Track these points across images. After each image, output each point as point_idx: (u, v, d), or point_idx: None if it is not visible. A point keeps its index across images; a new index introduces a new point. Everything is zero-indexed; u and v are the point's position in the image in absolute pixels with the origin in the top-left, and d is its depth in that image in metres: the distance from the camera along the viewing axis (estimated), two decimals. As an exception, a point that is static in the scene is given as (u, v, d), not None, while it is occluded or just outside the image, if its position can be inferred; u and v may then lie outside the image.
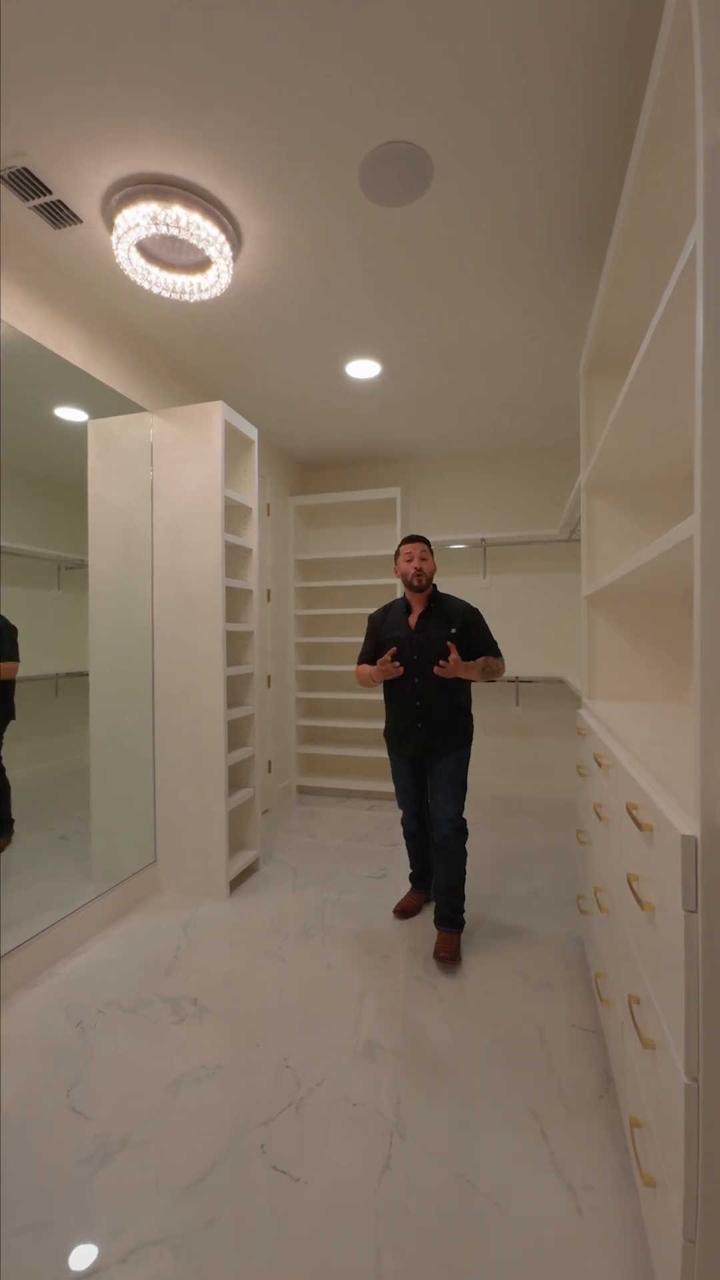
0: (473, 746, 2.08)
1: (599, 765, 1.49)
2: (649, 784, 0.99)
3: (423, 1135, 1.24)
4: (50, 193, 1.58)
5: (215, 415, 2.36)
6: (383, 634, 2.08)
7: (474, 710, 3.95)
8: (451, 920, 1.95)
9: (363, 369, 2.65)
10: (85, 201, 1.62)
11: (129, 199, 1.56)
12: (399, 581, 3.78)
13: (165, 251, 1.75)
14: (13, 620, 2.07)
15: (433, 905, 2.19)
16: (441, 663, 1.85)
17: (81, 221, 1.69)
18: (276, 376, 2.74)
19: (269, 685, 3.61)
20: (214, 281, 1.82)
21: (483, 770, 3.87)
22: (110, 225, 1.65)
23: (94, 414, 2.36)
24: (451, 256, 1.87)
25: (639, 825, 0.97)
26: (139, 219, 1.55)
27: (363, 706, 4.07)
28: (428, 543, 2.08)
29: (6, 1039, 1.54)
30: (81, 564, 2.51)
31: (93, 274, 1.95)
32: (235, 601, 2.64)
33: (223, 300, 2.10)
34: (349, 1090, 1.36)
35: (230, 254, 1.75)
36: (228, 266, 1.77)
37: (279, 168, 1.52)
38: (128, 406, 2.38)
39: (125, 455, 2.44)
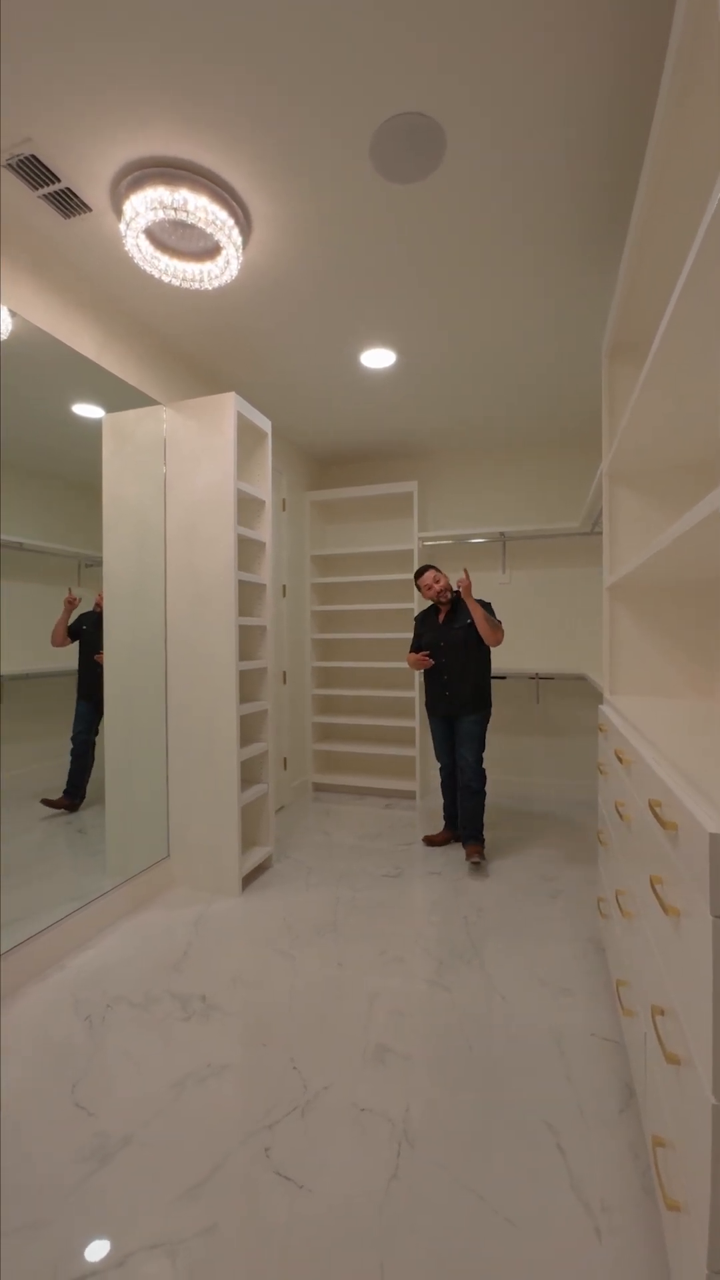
0: (489, 738, 2.44)
1: (620, 762, 1.42)
2: (673, 780, 0.93)
3: (432, 1146, 1.19)
4: (58, 180, 1.56)
5: (228, 407, 2.34)
6: (422, 629, 2.88)
7: (493, 708, 3.93)
8: (474, 836, 2.63)
9: (378, 358, 2.60)
10: (94, 189, 1.60)
11: (136, 184, 1.54)
12: (413, 578, 3.76)
13: (174, 239, 1.73)
14: (36, 616, 2.10)
15: (456, 843, 2.88)
16: (466, 584, 2.62)
17: (91, 210, 1.67)
18: (290, 368, 2.71)
19: (284, 681, 3.59)
20: (224, 268, 1.79)
21: (502, 769, 3.79)
22: (119, 212, 1.63)
23: (108, 408, 2.35)
24: (467, 235, 1.81)
25: (662, 824, 0.91)
26: (147, 204, 1.53)
27: (379, 704, 4.03)
28: (436, 568, 2.82)
29: (13, 1032, 1.53)
30: (99, 561, 2.52)
31: (104, 265, 1.94)
32: (248, 596, 2.61)
33: (233, 288, 2.07)
34: (357, 1095, 1.32)
35: (239, 239, 1.72)
36: (237, 252, 1.74)
37: (286, 144, 1.48)
38: (141, 400, 2.37)
39: (139, 450, 2.43)
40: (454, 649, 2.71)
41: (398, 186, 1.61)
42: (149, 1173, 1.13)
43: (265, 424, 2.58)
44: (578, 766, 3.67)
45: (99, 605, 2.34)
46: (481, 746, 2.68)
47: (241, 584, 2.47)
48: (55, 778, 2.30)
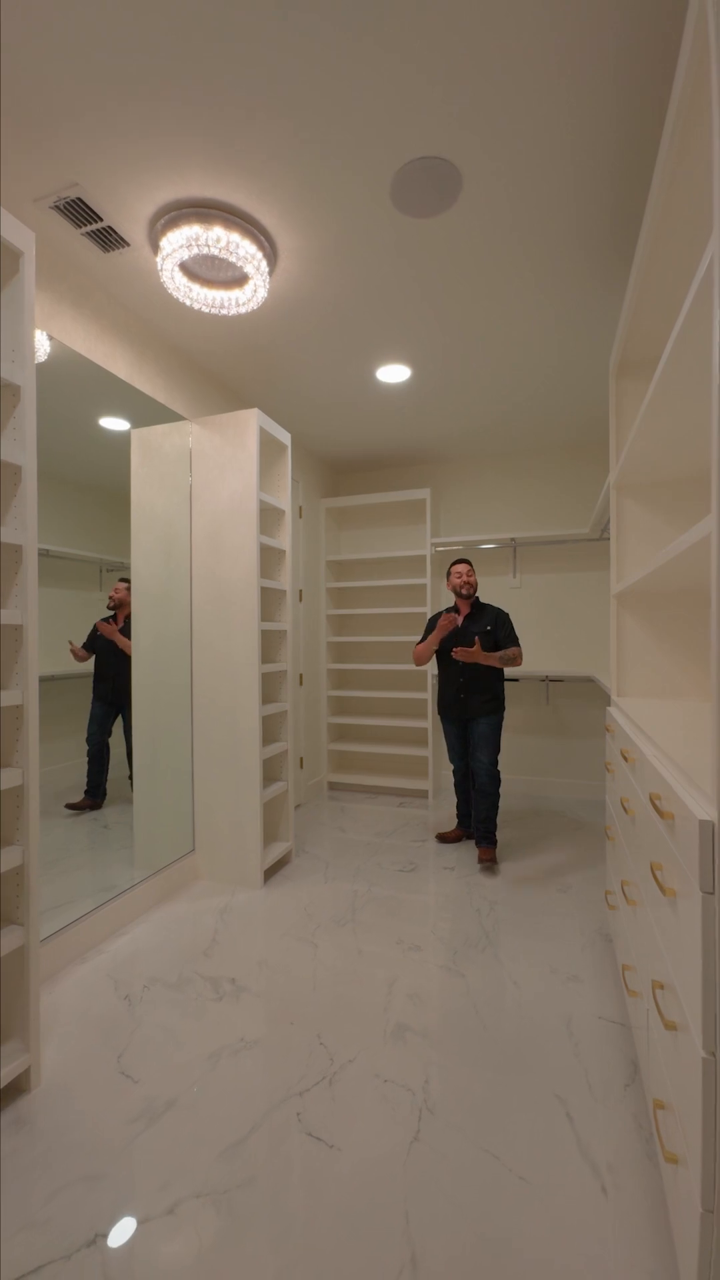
0: (503, 740, 2.29)
1: (626, 761, 1.51)
2: (672, 775, 1.02)
3: (450, 1112, 1.29)
4: (101, 219, 1.69)
5: (251, 422, 2.45)
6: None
7: (506, 709, 4.02)
8: (486, 838, 2.68)
9: (393, 373, 2.71)
10: (133, 226, 1.72)
11: (173, 222, 1.66)
12: (426, 583, 3.88)
13: (205, 269, 1.85)
14: (58, 620, 2.22)
15: (468, 840, 2.96)
16: (461, 648, 2.59)
17: (129, 245, 1.80)
18: (309, 383, 2.83)
19: (301, 683, 3.70)
20: (251, 296, 1.91)
21: (513, 769, 3.88)
22: (156, 247, 1.76)
23: (136, 423, 2.48)
24: (480, 263, 1.91)
25: (661, 814, 1.00)
26: (183, 241, 1.65)
27: (393, 705, 4.13)
28: (470, 564, 2.83)
29: (60, 1009, 1.65)
30: (121, 565, 2.64)
31: (138, 293, 2.07)
32: (269, 601, 2.73)
33: (258, 313, 2.19)
34: (380, 1068, 1.42)
35: (266, 270, 1.83)
36: (264, 281, 1.86)
37: (314, 186, 1.59)
38: (168, 416, 2.49)
39: (166, 462, 2.56)
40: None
41: (416, 221, 1.72)
42: (192, 1133, 1.24)
43: (285, 437, 2.70)
44: (587, 766, 3.75)
45: (112, 606, 2.41)
46: (497, 749, 2.72)
47: (263, 590, 2.59)
48: (80, 776, 2.43)
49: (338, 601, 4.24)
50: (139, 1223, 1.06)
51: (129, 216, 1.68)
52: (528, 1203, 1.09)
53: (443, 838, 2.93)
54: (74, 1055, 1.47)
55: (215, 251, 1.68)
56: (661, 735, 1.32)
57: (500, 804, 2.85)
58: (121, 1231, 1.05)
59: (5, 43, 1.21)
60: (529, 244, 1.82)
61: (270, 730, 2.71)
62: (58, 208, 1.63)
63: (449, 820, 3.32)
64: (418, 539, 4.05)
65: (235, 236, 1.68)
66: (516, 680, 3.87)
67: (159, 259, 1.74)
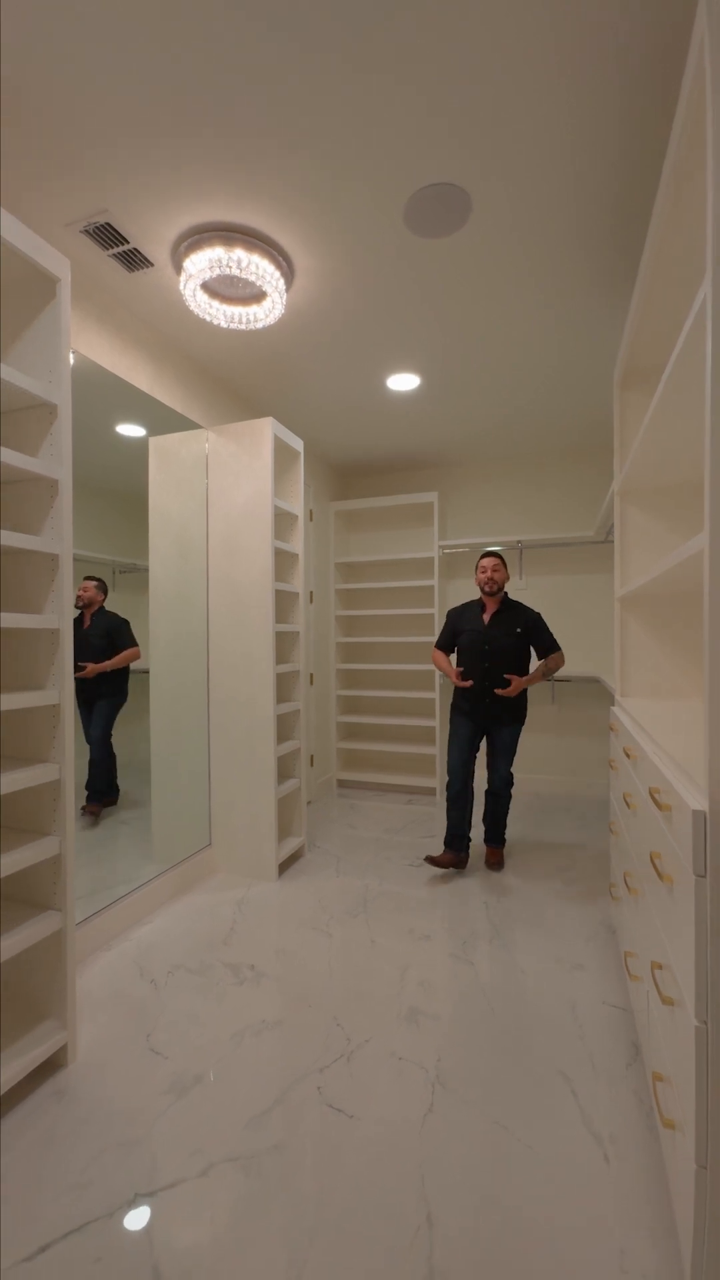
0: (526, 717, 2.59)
1: (629, 758, 1.59)
2: (670, 770, 1.10)
3: (462, 1088, 1.37)
4: (127, 242, 1.77)
5: (265, 430, 2.54)
6: (459, 626, 2.61)
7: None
8: (497, 838, 2.67)
9: (403, 382, 2.79)
10: (157, 248, 1.81)
11: (196, 245, 1.75)
12: (434, 584, 3.95)
13: (225, 287, 1.93)
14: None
15: (460, 866, 2.64)
16: (501, 689, 2.45)
17: (153, 265, 1.88)
18: (321, 392, 2.91)
19: (311, 683, 3.78)
20: (269, 312, 1.99)
21: (519, 767, 3.95)
22: (179, 268, 1.84)
23: (154, 431, 2.57)
24: (488, 278, 1.99)
25: (660, 807, 1.08)
26: (206, 263, 1.73)
27: (401, 704, 4.21)
28: (501, 558, 2.57)
29: (91, 992, 1.74)
30: (134, 567, 2.74)
31: (159, 309, 2.15)
32: (282, 603, 2.81)
33: (274, 326, 2.27)
34: (394, 1047, 1.50)
35: (284, 287, 1.91)
36: (281, 298, 1.94)
37: (331, 210, 1.67)
38: (185, 424, 2.58)
39: (183, 469, 2.64)
40: (502, 655, 2.49)
41: (427, 240, 1.79)
42: (220, 1104, 1.33)
43: (298, 444, 2.78)
44: (591, 764, 3.82)
45: (79, 605, 2.32)
46: (513, 756, 2.59)
47: (277, 593, 2.67)
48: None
49: (346, 603, 4.32)
50: (175, 1184, 1.15)
51: (154, 239, 1.77)
52: (535, 1169, 1.17)
53: (434, 861, 2.51)
54: (106, 1034, 1.56)
55: (236, 272, 1.76)
56: (662, 733, 1.40)
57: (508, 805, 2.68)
58: (158, 1192, 1.13)
59: (44, 80, 1.29)
60: (534, 260, 1.90)
61: (284, 728, 2.79)
62: (87, 232, 1.72)
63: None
64: (425, 541, 4.12)
65: (255, 257, 1.77)
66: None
67: (182, 279, 1.82)
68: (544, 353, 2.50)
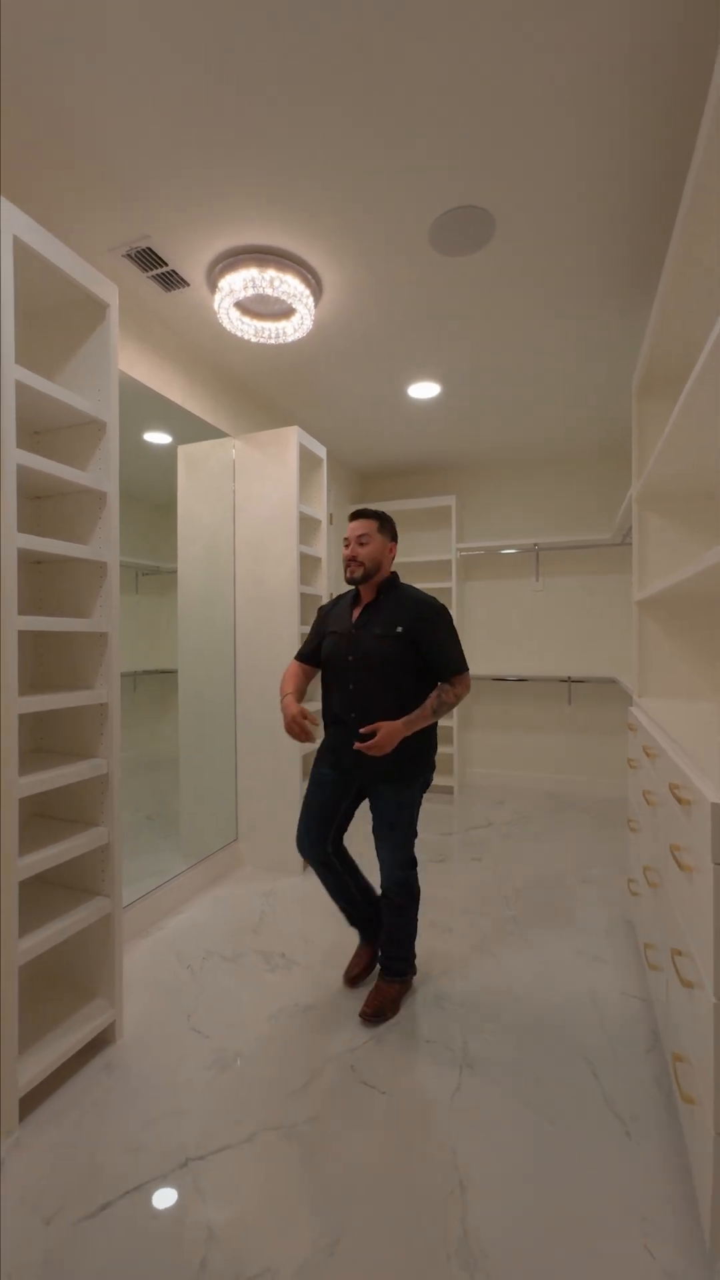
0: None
1: (648, 757, 1.65)
2: (690, 767, 1.16)
3: (487, 1068, 1.45)
4: (166, 264, 1.86)
5: (291, 439, 2.62)
6: (325, 628, 1.74)
7: (519, 710, 4.17)
8: (389, 969, 1.69)
9: (423, 390, 2.86)
10: (194, 269, 1.90)
11: (231, 266, 1.83)
12: (452, 586, 4.02)
13: (255, 304, 2.02)
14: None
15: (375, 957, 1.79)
16: (360, 744, 1.50)
17: (189, 285, 1.97)
18: (344, 400, 2.99)
19: (331, 683, 3.87)
20: (297, 327, 2.07)
21: (534, 766, 4.01)
22: (214, 287, 1.93)
23: (181, 439, 2.67)
24: (510, 293, 2.05)
25: (680, 801, 1.14)
26: (241, 283, 1.82)
27: (418, 704, 4.27)
28: (380, 518, 1.66)
29: (132, 976, 1.84)
30: (156, 570, 2.84)
31: (192, 325, 2.25)
32: (307, 606, 2.90)
33: (301, 339, 2.35)
34: (422, 1031, 1.58)
35: (312, 304, 1.99)
36: (310, 313, 2.02)
37: (360, 232, 1.75)
38: (212, 433, 2.68)
39: (211, 476, 2.74)
40: (374, 672, 1.59)
41: (451, 259, 1.86)
42: (260, 1079, 1.41)
43: (321, 450, 2.86)
44: (607, 764, 3.86)
45: None
46: (408, 839, 1.67)
47: (301, 596, 2.75)
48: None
49: (365, 604, 4.39)
50: (222, 1149, 1.23)
51: (191, 261, 1.86)
52: (560, 1144, 1.24)
53: (351, 980, 1.77)
54: (148, 1014, 1.65)
55: (268, 291, 1.85)
56: (680, 732, 1.46)
57: (419, 917, 1.77)
58: (208, 1156, 1.22)
59: (93, 117, 1.39)
60: (555, 274, 1.96)
61: (307, 727, 2.88)
62: (129, 255, 1.81)
63: (477, 815, 3.46)
64: (443, 544, 4.19)
65: (287, 276, 1.85)
66: (525, 680, 3.99)
67: (217, 298, 1.91)
68: (562, 361, 2.56)
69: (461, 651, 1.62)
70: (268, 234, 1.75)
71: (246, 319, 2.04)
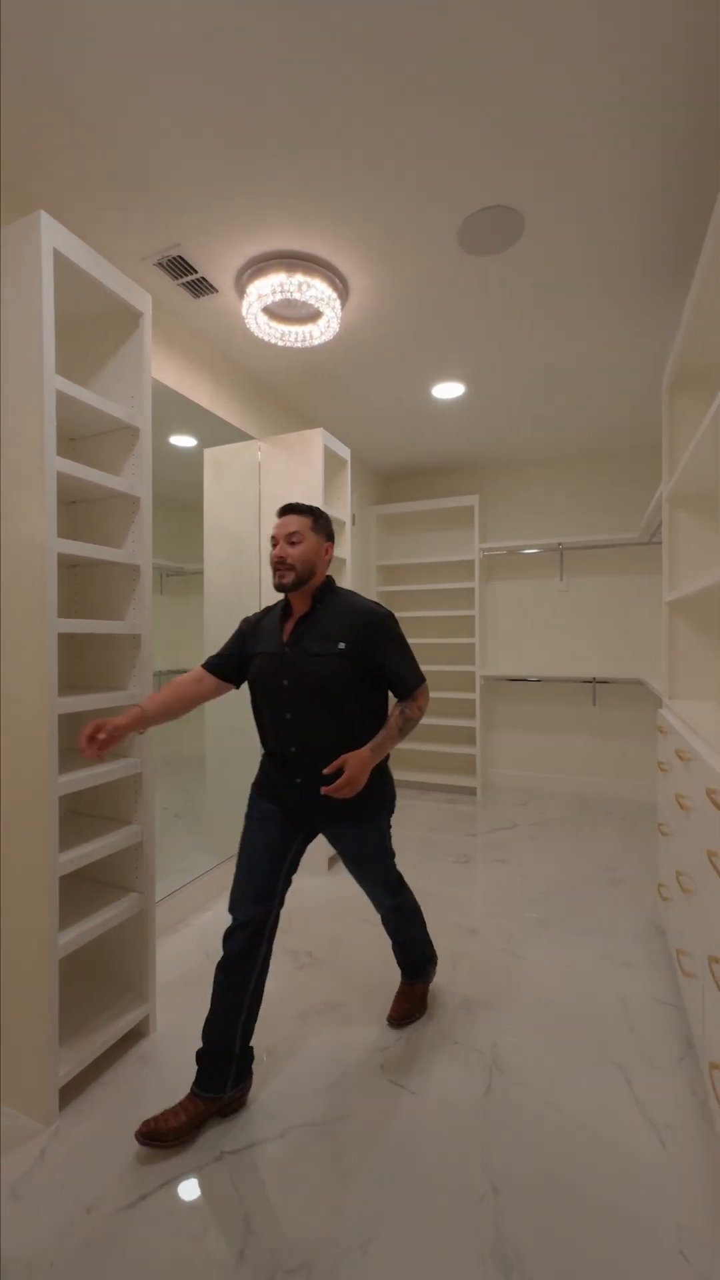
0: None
1: (680, 760, 1.62)
2: (727, 771, 1.14)
3: (518, 1072, 1.44)
4: (195, 272, 1.89)
5: (316, 441, 2.64)
6: (251, 648, 1.44)
7: (541, 710, 4.13)
8: (409, 971, 1.63)
9: (448, 390, 2.85)
10: (222, 276, 1.92)
11: (260, 272, 1.85)
12: (474, 586, 4.01)
13: (282, 308, 2.03)
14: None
15: (205, 1119, 1.28)
16: (330, 789, 1.26)
17: (217, 291, 2.00)
18: (368, 401, 3.00)
19: (354, 683, 3.88)
20: (324, 330, 2.09)
21: (558, 768, 3.97)
22: (242, 293, 1.95)
23: (208, 442, 2.70)
24: (537, 292, 2.04)
25: (717, 806, 1.13)
26: (269, 289, 1.84)
27: (440, 705, 4.26)
28: (314, 514, 1.41)
29: (163, 970, 1.87)
30: (180, 571, 2.88)
31: (219, 330, 2.28)
32: (330, 607, 2.91)
33: (327, 342, 2.36)
34: (451, 1032, 1.58)
35: (339, 307, 2.00)
36: (336, 317, 2.03)
37: (388, 234, 1.75)
38: (238, 435, 2.71)
39: (236, 479, 2.77)
40: (308, 694, 1.35)
41: (478, 258, 1.86)
42: (291, 1076, 1.43)
43: (345, 452, 2.87)
44: (633, 766, 3.80)
45: None
46: (389, 863, 1.53)
47: (326, 597, 2.77)
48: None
49: (387, 604, 4.38)
50: (256, 1144, 1.25)
51: (220, 268, 1.89)
52: (592, 1150, 1.23)
53: (144, 1135, 1.21)
54: (180, 1009, 1.68)
55: (296, 295, 1.86)
56: (715, 736, 1.43)
57: (420, 919, 1.67)
58: (242, 1150, 1.24)
59: (133, 125, 1.42)
60: (584, 272, 1.94)
61: (331, 728, 2.89)
62: (160, 264, 1.85)
63: (501, 816, 3.45)
64: (466, 544, 4.17)
65: (315, 281, 1.86)
66: (539, 680, 3.95)
67: (244, 303, 1.93)
68: (590, 359, 2.53)
69: (416, 661, 1.43)
70: (296, 239, 1.77)
71: (273, 323, 2.06)
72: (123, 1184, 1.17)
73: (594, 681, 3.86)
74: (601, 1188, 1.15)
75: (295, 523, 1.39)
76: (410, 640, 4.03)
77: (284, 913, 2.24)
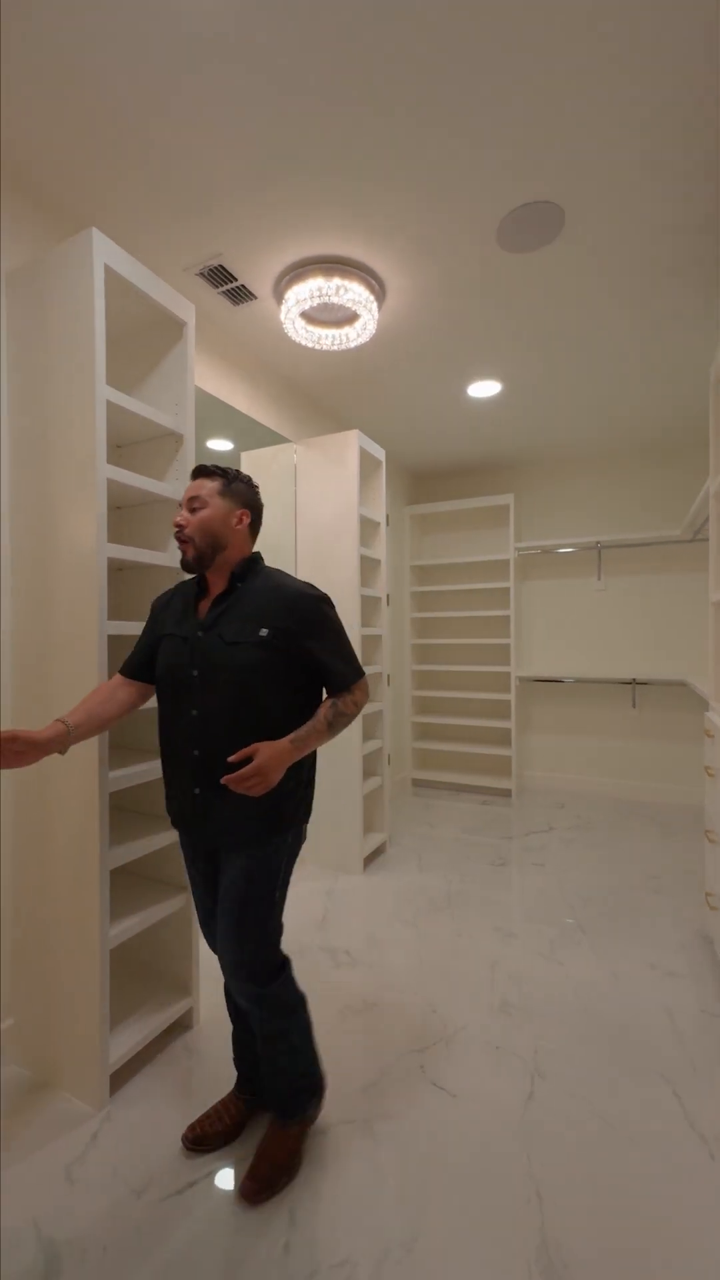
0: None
1: (730, 764, 1.57)
2: (783, 778, 1.10)
3: (561, 1079, 1.42)
4: (236, 280, 1.93)
5: (351, 442, 2.65)
6: (160, 630, 1.24)
7: (579, 713, 4.06)
8: (278, 1098, 1.21)
9: (484, 389, 2.83)
10: (261, 283, 1.96)
11: (299, 277, 1.88)
12: (509, 586, 3.96)
13: (320, 312, 2.05)
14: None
15: (244, 1124, 1.30)
16: (230, 779, 1.02)
17: (256, 298, 2.03)
18: (403, 401, 3.00)
19: (388, 684, 3.88)
20: (360, 332, 2.10)
21: (596, 770, 3.89)
22: (280, 299, 1.98)
23: (244, 446, 2.75)
24: (577, 287, 2.00)
25: (773, 813, 1.09)
26: (308, 294, 1.86)
27: (475, 706, 4.23)
28: (225, 475, 1.20)
29: (204, 966, 1.91)
30: None
31: (257, 335, 2.31)
32: (367, 608, 2.92)
33: (363, 344, 2.38)
34: (490, 1036, 1.57)
35: (376, 309, 2.01)
36: (373, 319, 2.04)
37: (427, 236, 1.75)
38: (274, 438, 2.74)
39: (274, 481, 2.81)
40: (219, 688, 1.13)
41: (517, 255, 1.84)
42: (332, 1072, 1.44)
43: (380, 453, 2.88)
44: (675, 770, 3.69)
45: None
46: (271, 923, 1.16)
47: (362, 598, 2.78)
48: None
49: (420, 605, 4.39)
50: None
51: (259, 275, 1.92)
52: (640, 1160, 1.21)
53: (192, 1140, 1.24)
54: (220, 1003, 1.71)
55: (334, 299, 1.88)
56: (769, 741, 1.38)
57: (306, 1024, 1.24)
58: (285, 1142, 1.25)
59: (179, 139, 1.45)
60: (626, 265, 1.90)
61: (368, 728, 2.90)
62: (202, 274, 1.89)
63: (537, 819, 3.40)
64: (501, 543, 4.13)
65: (351, 284, 1.88)
66: (560, 681, 3.86)
67: (283, 309, 1.96)
68: (631, 352, 2.48)
69: (354, 653, 1.20)
70: (335, 243, 1.78)
71: (311, 327, 2.08)
72: (170, 1170, 1.20)
73: (633, 683, 3.77)
74: (649, 1198, 1.12)
75: (196, 486, 1.18)
76: (445, 641, 4.06)
77: (320, 912, 2.27)
